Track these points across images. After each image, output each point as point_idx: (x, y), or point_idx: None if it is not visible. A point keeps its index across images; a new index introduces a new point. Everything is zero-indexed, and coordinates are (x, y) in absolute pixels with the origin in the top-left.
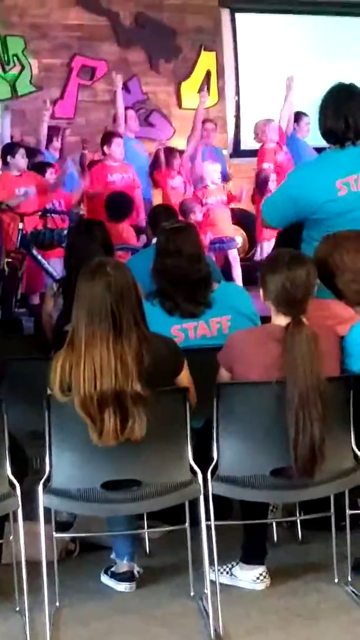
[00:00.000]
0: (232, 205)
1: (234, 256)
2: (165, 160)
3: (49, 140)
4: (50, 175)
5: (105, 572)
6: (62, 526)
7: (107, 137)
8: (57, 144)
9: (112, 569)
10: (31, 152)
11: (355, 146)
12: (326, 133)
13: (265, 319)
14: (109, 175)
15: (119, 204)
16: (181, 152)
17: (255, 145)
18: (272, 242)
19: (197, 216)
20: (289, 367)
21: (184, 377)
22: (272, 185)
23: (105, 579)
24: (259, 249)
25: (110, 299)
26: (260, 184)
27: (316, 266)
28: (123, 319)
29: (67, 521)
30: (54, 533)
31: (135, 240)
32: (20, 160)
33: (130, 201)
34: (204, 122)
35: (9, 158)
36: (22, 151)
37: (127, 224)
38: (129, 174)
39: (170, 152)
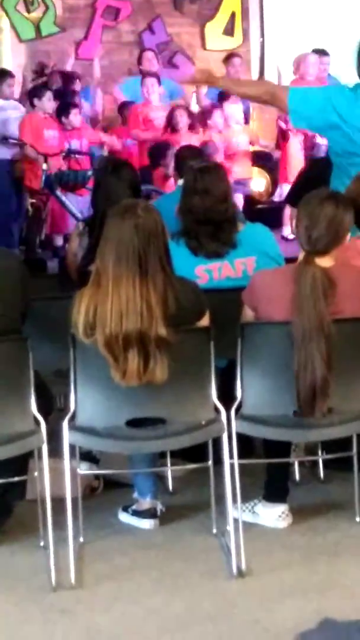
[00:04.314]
0: (256, 148)
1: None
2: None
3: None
4: (73, 116)
5: (126, 510)
6: (91, 459)
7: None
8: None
9: (134, 506)
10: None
11: None
12: None
13: (290, 261)
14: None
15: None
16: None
17: None
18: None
19: (218, 159)
20: (294, 306)
21: (205, 320)
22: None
23: (125, 517)
24: (279, 190)
25: (138, 241)
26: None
27: None
28: (149, 261)
29: (95, 455)
30: (78, 470)
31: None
32: (46, 102)
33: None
34: (230, 57)
35: (35, 100)
36: (48, 94)
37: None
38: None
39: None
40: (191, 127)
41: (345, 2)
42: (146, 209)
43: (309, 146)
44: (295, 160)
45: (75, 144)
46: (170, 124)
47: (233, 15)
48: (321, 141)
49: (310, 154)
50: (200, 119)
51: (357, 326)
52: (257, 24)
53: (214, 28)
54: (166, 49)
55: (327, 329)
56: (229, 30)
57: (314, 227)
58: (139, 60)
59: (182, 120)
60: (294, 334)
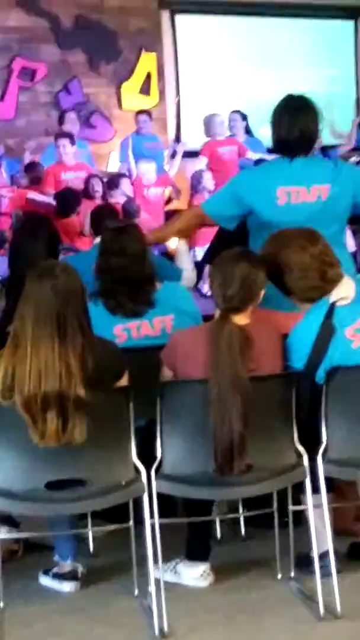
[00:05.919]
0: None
1: None
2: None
3: None
4: None
5: (47, 574)
6: (11, 523)
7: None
8: None
9: (55, 569)
10: None
11: (306, 158)
12: (279, 143)
13: (209, 318)
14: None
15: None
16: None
17: (196, 147)
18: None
19: (141, 219)
20: (210, 364)
21: (124, 380)
22: (207, 184)
23: (46, 580)
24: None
25: (56, 302)
26: (194, 183)
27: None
28: (68, 323)
29: (14, 519)
30: None
31: None
32: None
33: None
34: (138, 113)
35: None
36: None
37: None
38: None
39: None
40: (104, 196)
41: (258, 62)
42: (64, 270)
43: None
44: None
45: None
46: (87, 193)
47: (149, 75)
48: None
49: None
50: (109, 186)
51: (275, 382)
52: (172, 84)
53: (130, 88)
54: (83, 109)
55: (243, 386)
56: (145, 90)
57: (229, 286)
58: (60, 121)
59: (97, 189)
60: (210, 391)
